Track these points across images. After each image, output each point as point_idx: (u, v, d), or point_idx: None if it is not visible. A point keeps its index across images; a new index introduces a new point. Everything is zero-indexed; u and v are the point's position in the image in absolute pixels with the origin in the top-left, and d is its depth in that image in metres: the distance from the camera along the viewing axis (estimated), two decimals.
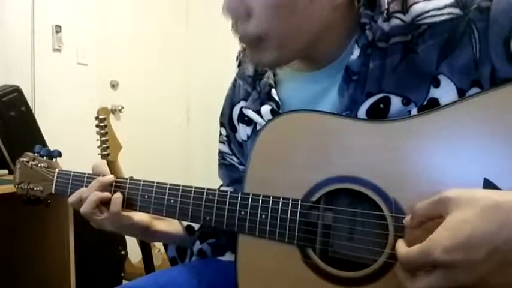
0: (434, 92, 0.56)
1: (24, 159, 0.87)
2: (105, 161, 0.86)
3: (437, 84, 0.56)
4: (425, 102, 0.57)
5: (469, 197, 0.42)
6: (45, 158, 0.86)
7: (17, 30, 1.94)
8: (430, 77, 0.56)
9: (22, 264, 1.58)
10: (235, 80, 0.82)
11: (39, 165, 0.85)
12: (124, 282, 1.68)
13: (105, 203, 0.74)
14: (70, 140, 2.03)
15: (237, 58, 0.82)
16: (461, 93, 0.55)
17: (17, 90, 1.60)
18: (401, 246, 0.46)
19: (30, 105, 1.73)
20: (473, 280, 0.40)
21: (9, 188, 1.18)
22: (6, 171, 1.50)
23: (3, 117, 1.52)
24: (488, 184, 0.48)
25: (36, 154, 0.87)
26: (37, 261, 1.54)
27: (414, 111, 0.57)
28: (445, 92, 0.55)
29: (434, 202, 0.45)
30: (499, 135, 0.49)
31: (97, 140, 1.31)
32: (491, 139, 0.49)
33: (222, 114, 0.84)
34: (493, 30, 0.52)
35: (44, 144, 1.61)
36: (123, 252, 1.82)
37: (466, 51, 0.54)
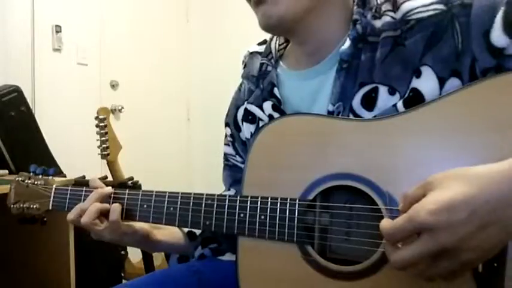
0: (415, 82, 0.60)
1: (20, 179, 0.88)
2: (99, 178, 0.86)
3: (418, 75, 0.60)
4: (407, 92, 0.60)
5: (450, 173, 0.45)
6: (40, 176, 0.87)
7: (17, 30, 1.95)
8: (414, 68, 0.60)
9: (22, 265, 1.58)
10: (240, 84, 0.85)
11: (35, 183, 0.86)
12: (124, 282, 1.68)
13: (104, 215, 0.75)
14: (70, 140, 2.04)
15: (243, 61, 0.85)
16: (441, 82, 0.58)
17: (17, 90, 1.60)
18: (385, 221, 0.48)
19: (30, 105, 1.73)
20: (455, 241, 0.42)
21: (9, 188, 1.18)
22: (6, 171, 1.50)
23: (3, 117, 1.52)
24: None
25: (31, 173, 0.88)
26: (37, 262, 1.54)
27: (399, 103, 0.60)
28: (426, 81, 0.59)
29: (421, 185, 0.47)
30: (480, 128, 0.52)
31: (97, 140, 1.32)
32: (477, 131, 0.52)
33: (227, 115, 0.86)
34: (474, 23, 0.56)
35: (44, 144, 1.61)
36: (123, 252, 1.83)
37: (448, 43, 0.58)
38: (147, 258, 1.55)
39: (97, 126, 1.30)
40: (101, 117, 1.30)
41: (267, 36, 0.79)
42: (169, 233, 0.83)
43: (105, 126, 1.30)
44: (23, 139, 1.55)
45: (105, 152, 1.32)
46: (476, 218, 0.42)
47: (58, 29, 2.08)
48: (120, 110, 2.43)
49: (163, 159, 2.61)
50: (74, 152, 1.95)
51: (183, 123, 2.89)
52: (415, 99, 0.59)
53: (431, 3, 0.60)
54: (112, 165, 1.37)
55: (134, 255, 1.86)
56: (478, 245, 0.42)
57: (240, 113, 0.81)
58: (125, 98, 2.44)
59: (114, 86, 2.43)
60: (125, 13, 2.48)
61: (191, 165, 2.88)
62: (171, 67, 2.75)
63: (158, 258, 1.80)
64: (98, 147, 1.32)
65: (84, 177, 1.04)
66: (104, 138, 1.31)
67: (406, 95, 0.60)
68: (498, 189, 0.42)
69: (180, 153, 2.83)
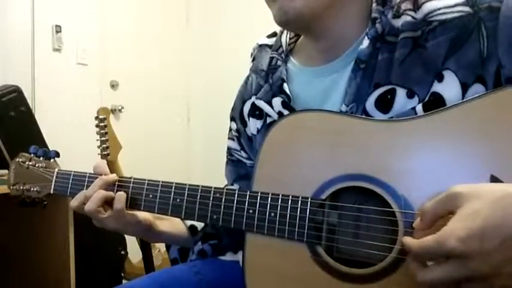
0: (437, 87, 0.58)
1: (20, 160, 0.85)
2: (105, 161, 0.85)
3: (440, 79, 0.57)
4: (427, 96, 0.58)
5: (477, 190, 0.43)
6: (42, 158, 0.84)
7: (17, 30, 1.94)
8: (435, 71, 0.58)
9: (22, 265, 1.58)
10: (247, 77, 0.83)
11: (36, 165, 0.83)
12: (124, 282, 1.68)
13: (108, 203, 0.73)
14: (70, 140, 2.03)
15: (252, 54, 0.83)
16: (465, 88, 0.56)
17: (17, 90, 1.59)
18: (409, 238, 0.47)
19: (30, 105, 1.73)
20: (488, 270, 0.41)
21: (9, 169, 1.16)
22: (6, 171, 1.50)
23: (3, 117, 1.52)
24: (494, 180, 0.49)
25: (32, 155, 0.85)
26: (37, 261, 1.54)
27: (419, 106, 0.58)
28: (448, 86, 0.57)
29: (442, 200, 0.45)
30: (503, 134, 0.50)
31: (97, 140, 1.31)
32: (496, 138, 0.51)
33: (232, 109, 0.84)
34: (502, 29, 0.54)
35: (44, 144, 1.61)
36: (123, 252, 1.82)
37: (473, 48, 0.55)
38: (147, 258, 1.54)
39: (97, 126, 1.30)
40: (101, 117, 1.30)
41: (270, 31, 0.78)
42: (172, 225, 0.82)
43: (105, 126, 1.30)
44: (23, 139, 1.55)
45: (105, 152, 1.32)
46: (510, 245, 0.40)
47: (58, 29, 2.08)
48: (120, 110, 2.43)
49: (163, 159, 2.60)
50: (74, 152, 1.95)
51: (183, 123, 2.89)
52: (435, 104, 0.57)
53: (456, 5, 0.57)
54: (112, 165, 1.37)
55: (134, 255, 1.86)
56: (511, 272, 0.41)
57: (247, 108, 0.79)
58: (125, 98, 2.44)
59: (114, 86, 2.43)
60: (125, 13, 2.48)
61: (191, 165, 2.88)
62: (171, 67, 2.75)
63: (158, 258, 1.80)
64: (98, 147, 1.32)
65: (86, 173, 1.04)
66: (104, 138, 1.31)
67: (427, 99, 0.58)
68: None
69: (180, 153, 2.82)
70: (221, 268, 0.79)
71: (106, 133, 1.31)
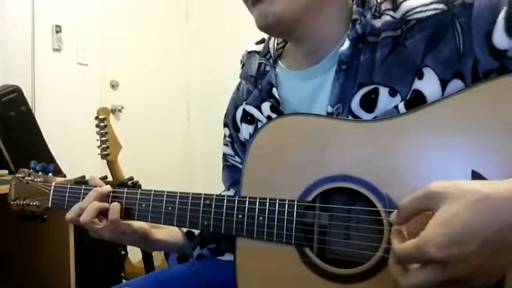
0: (417, 84, 0.59)
1: (20, 175, 0.88)
2: (98, 174, 0.87)
3: (420, 76, 0.59)
4: (409, 94, 0.59)
5: (456, 190, 0.43)
6: (40, 173, 0.87)
7: (17, 30, 1.95)
8: (415, 69, 0.59)
9: (22, 265, 1.58)
10: (239, 84, 0.84)
11: (35, 180, 0.86)
12: (124, 282, 1.68)
13: (103, 213, 0.75)
14: (70, 140, 2.03)
15: (241, 61, 0.84)
16: (444, 84, 0.57)
17: (17, 90, 1.60)
18: (396, 242, 0.47)
19: (30, 105, 1.73)
20: (467, 272, 0.41)
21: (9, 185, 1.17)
22: (6, 171, 1.50)
23: (3, 117, 1.52)
24: (475, 175, 0.50)
25: (31, 170, 0.87)
26: (37, 262, 1.54)
27: (401, 104, 0.59)
28: (428, 83, 0.58)
29: (419, 197, 0.46)
30: (483, 129, 0.51)
31: (97, 140, 1.32)
32: (476, 133, 0.51)
33: (226, 115, 0.85)
34: (476, 24, 0.55)
35: (44, 144, 1.61)
36: (123, 252, 1.83)
37: (449, 44, 0.57)
38: (147, 258, 1.55)
39: (97, 126, 1.30)
40: (101, 117, 1.30)
41: (266, 35, 0.79)
42: (168, 232, 0.83)
43: (105, 126, 1.30)
44: (23, 139, 1.56)
45: (105, 152, 1.32)
46: (488, 247, 0.40)
47: (58, 29, 2.08)
48: (120, 110, 2.43)
49: (163, 159, 2.60)
50: (74, 152, 1.95)
51: (183, 123, 2.89)
52: (417, 101, 0.58)
53: (431, 3, 0.59)
54: (112, 165, 1.37)
55: (134, 255, 1.86)
56: (490, 269, 0.42)
57: (239, 114, 0.81)
58: (125, 98, 2.44)
59: (114, 86, 2.43)
60: (125, 13, 2.48)
61: (191, 165, 2.88)
62: (171, 67, 2.75)
63: (158, 258, 1.80)
64: (98, 147, 1.32)
65: (84, 177, 1.03)
66: (104, 138, 1.31)
67: (408, 97, 0.59)
68: (510, 215, 0.40)
69: (180, 153, 2.83)
70: (220, 268, 0.79)
71: (106, 133, 1.31)
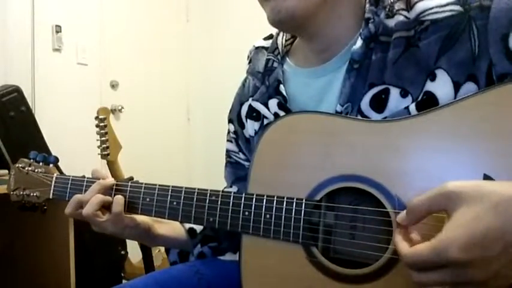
0: (430, 86, 0.58)
1: (20, 165, 0.86)
2: (104, 163, 0.86)
3: (433, 78, 0.58)
4: (420, 95, 0.58)
5: (476, 191, 0.42)
6: (41, 163, 0.85)
7: (17, 30, 1.95)
8: (428, 70, 0.58)
9: (22, 264, 1.58)
10: (245, 80, 0.83)
11: (35, 170, 0.84)
12: (124, 282, 1.68)
13: (106, 207, 0.74)
14: (70, 140, 2.04)
15: (248, 56, 0.84)
16: (457, 86, 0.56)
17: (17, 90, 1.59)
18: (403, 246, 0.46)
19: (30, 105, 1.73)
20: (484, 276, 0.41)
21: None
22: (6, 171, 1.50)
23: (3, 117, 1.52)
24: (487, 179, 0.49)
25: (31, 160, 0.86)
26: (37, 261, 1.54)
27: (412, 105, 0.58)
28: (441, 85, 0.57)
29: (434, 196, 0.45)
30: (495, 133, 0.50)
31: (97, 140, 1.31)
32: (488, 137, 0.51)
33: (230, 111, 0.85)
34: (492, 27, 0.54)
35: (44, 144, 1.61)
36: (123, 252, 1.82)
37: (465, 46, 0.56)
38: (147, 258, 1.54)
39: (97, 126, 1.30)
40: (101, 117, 1.30)
41: (271, 31, 0.78)
42: (171, 228, 0.82)
43: (105, 126, 1.30)
44: (23, 139, 1.55)
45: (105, 152, 1.32)
46: (510, 251, 0.40)
47: (58, 29, 2.08)
48: (120, 110, 2.43)
49: (163, 159, 2.60)
50: (74, 152, 1.95)
51: (183, 123, 2.89)
52: (428, 103, 0.57)
53: (448, 4, 0.58)
54: (112, 165, 1.37)
55: (134, 255, 1.85)
56: (507, 274, 0.41)
57: (244, 110, 0.80)
58: (125, 98, 2.44)
59: (114, 86, 2.43)
60: (125, 13, 2.48)
61: (191, 165, 2.88)
62: (171, 67, 2.75)
63: (158, 258, 1.80)
64: (98, 147, 1.32)
65: (84, 177, 1.04)
66: (104, 138, 1.31)
67: (420, 98, 0.58)
68: None
69: (180, 153, 2.83)
70: (221, 268, 0.79)
71: (106, 133, 1.31)
